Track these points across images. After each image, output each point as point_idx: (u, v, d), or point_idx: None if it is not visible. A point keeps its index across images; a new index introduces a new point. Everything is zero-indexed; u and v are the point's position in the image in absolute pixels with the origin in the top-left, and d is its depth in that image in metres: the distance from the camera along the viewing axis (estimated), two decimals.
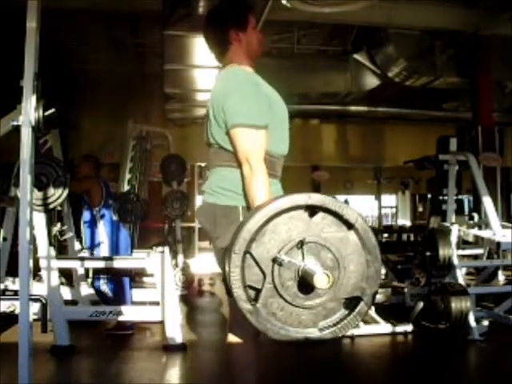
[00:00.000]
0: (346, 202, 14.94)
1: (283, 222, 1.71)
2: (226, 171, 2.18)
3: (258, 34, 2.41)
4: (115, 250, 5.10)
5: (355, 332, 4.78)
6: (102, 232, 5.08)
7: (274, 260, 1.69)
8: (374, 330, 4.90)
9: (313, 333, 1.73)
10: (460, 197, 6.55)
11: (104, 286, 5.04)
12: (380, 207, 16.49)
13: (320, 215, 1.72)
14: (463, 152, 5.61)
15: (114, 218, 5.21)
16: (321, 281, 1.61)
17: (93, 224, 5.12)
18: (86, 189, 5.06)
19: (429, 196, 13.68)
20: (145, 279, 6.62)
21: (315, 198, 1.71)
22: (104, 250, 5.04)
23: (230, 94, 2.13)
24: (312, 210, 1.72)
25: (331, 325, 1.74)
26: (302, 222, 1.72)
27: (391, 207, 18.55)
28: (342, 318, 1.74)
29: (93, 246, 5.12)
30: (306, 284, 1.67)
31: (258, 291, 1.71)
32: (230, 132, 2.10)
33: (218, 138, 2.18)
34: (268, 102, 2.23)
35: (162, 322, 4.48)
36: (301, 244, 1.69)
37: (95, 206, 5.07)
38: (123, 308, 4.49)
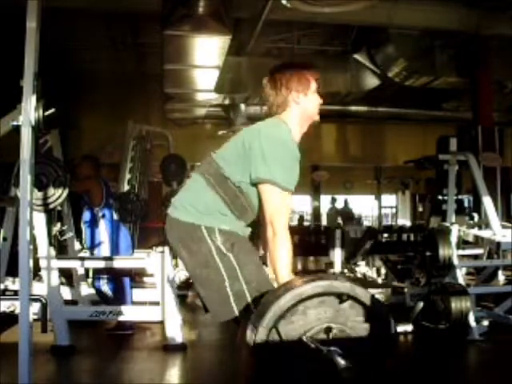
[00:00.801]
0: (346, 201, 14.94)
1: (313, 306, 1.76)
2: (209, 196, 2.23)
3: (317, 98, 2.44)
4: (116, 249, 5.10)
5: None
6: (103, 232, 5.07)
7: (300, 341, 1.74)
8: None
9: None
10: (460, 197, 6.54)
11: (104, 286, 5.04)
12: (380, 207, 16.49)
13: (349, 302, 1.77)
14: (463, 152, 5.61)
15: (115, 217, 5.20)
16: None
17: (93, 224, 5.11)
18: (86, 189, 5.05)
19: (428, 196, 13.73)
20: (145, 279, 6.62)
21: (347, 287, 1.77)
22: (105, 249, 5.03)
23: (274, 148, 2.19)
24: (342, 297, 1.77)
25: None
26: (332, 307, 1.77)
27: (391, 207, 18.56)
28: None
29: (93, 245, 5.11)
30: (325, 370, 1.72)
31: None
32: (263, 185, 2.17)
33: (231, 167, 2.23)
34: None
35: (162, 322, 4.48)
36: (328, 330, 1.75)
37: (96, 205, 5.06)
38: (123, 308, 4.49)
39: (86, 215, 5.15)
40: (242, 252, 2.21)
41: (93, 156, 5.63)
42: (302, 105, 2.37)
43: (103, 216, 5.07)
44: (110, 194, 5.24)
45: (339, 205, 14.75)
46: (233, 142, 2.33)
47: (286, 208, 2.18)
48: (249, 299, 2.16)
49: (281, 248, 2.13)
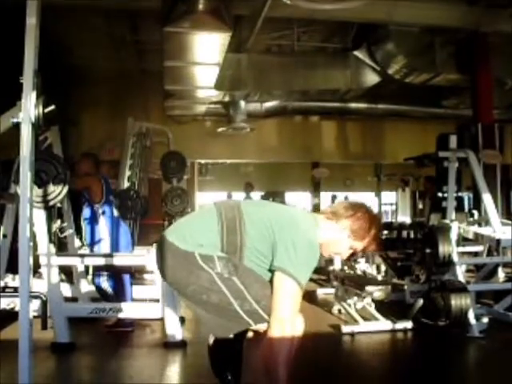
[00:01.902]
0: (346, 198, 14.94)
1: None
2: (213, 235, 2.32)
3: (349, 250, 2.53)
4: (116, 246, 5.10)
5: (355, 329, 4.79)
6: (103, 229, 5.07)
7: None
8: (373, 326, 4.90)
9: None
10: (460, 194, 6.53)
11: (104, 283, 5.04)
12: (380, 204, 16.48)
13: None
14: (463, 149, 5.61)
15: (115, 214, 5.20)
16: None
17: (93, 221, 5.11)
18: (86, 185, 5.05)
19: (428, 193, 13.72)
20: (146, 276, 6.62)
21: None
22: (105, 246, 5.04)
23: (302, 245, 2.27)
24: None
25: None
26: None
27: (391, 204, 18.54)
28: None
29: (93, 242, 5.12)
30: None
31: None
32: (281, 273, 2.23)
33: (253, 239, 2.30)
34: None
35: (162, 319, 4.48)
36: None
37: (96, 202, 5.06)
38: (123, 305, 4.50)
39: (86, 212, 5.15)
40: (245, 273, 2.28)
41: (92, 153, 5.63)
42: (340, 239, 2.46)
43: (103, 213, 5.08)
44: (110, 191, 5.24)
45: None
46: (260, 219, 2.36)
47: (297, 303, 2.25)
48: (262, 314, 2.25)
49: (285, 350, 2.20)
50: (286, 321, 2.20)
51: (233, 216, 2.32)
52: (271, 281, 2.32)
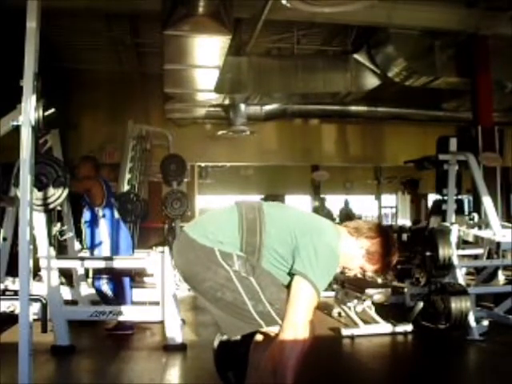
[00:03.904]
0: (346, 201, 14.94)
1: None
2: (233, 233, 2.30)
3: (358, 270, 2.54)
4: (116, 249, 5.09)
5: (355, 332, 4.78)
6: (103, 232, 5.07)
7: None
8: (373, 329, 4.90)
9: None
10: (460, 197, 6.53)
11: (104, 286, 5.04)
12: (380, 207, 16.50)
13: None
14: (463, 152, 5.61)
15: (116, 217, 5.19)
16: None
17: (94, 224, 5.11)
18: (86, 188, 5.05)
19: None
20: (146, 279, 6.62)
21: None
22: (105, 249, 5.03)
23: (324, 253, 2.27)
24: None
25: None
26: None
27: (391, 207, 18.56)
28: None
29: (94, 245, 5.11)
30: None
31: None
32: (300, 277, 2.23)
33: (273, 239, 2.29)
34: None
35: (162, 322, 4.48)
36: None
37: (96, 205, 5.05)
38: (123, 308, 4.49)
39: (87, 215, 5.15)
40: (262, 275, 2.28)
41: (92, 156, 5.63)
42: (354, 256, 2.46)
43: (104, 216, 5.07)
44: (111, 194, 5.23)
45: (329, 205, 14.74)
46: (282, 222, 2.37)
47: (312, 308, 2.26)
48: (275, 316, 2.25)
49: (296, 355, 2.19)
50: (300, 326, 2.20)
51: (254, 217, 2.32)
52: (289, 286, 2.32)
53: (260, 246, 2.28)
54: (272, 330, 2.30)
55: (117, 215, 5.21)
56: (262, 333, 2.39)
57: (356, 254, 2.44)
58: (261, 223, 2.30)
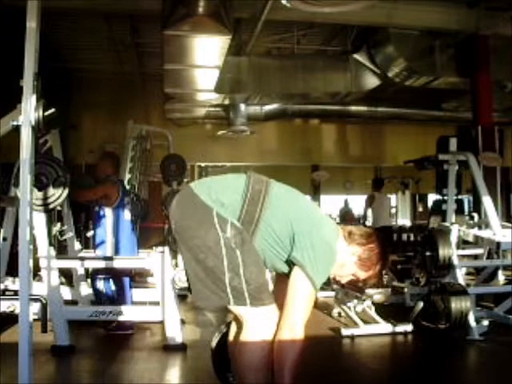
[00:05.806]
0: (346, 201, 14.93)
1: None
2: (236, 198, 2.28)
3: (350, 278, 2.53)
4: (122, 249, 5.07)
5: (355, 332, 4.78)
6: (109, 231, 5.04)
7: None
8: (373, 329, 4.90)
9: None
10: (460, 197, 6.53)
11: (101, 285, 5.03)
12: None
13: None
14: (463, 152, 5.60)
15: (126, 218, 5.16)
16: None
17: (101, 223, 5.09)
18: (105, 194, 5.01)
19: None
20: (146, 279, 6.62)
21: None
22: (112, 249, 5.02)
23: (323, 249, 2.27)
24: None
25: None
26: None
27: (391, 207, 18.54)
28: None
29: (100, 244, 5.09)
30: None
31: None
32: (300, 270, 2.22)
33: (271, 215, 2.28)
34: None
35: (162, 322, 4.48)
36: None
37: (108, 205, 5.02)
38: (123, 308, 4.49)
39: (96, 214, 5.13)
40: (249, 252, 2.25)
41: (112, 152, 5.55)
42: (346, 262, 2.44)
43: (114, 215, 5.04)
44: (124, 194, 5.20)
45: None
46: (285, 204, 2.37)
47: (310, 304, 2.26)
48: (246, 297, 2.21)
49: (297, 353, 2.19)
50: (298, 325, 2.19)
51: (259, 189, 2.30)
52: (276, 267, 2.34)
53: (259, 218, 2.25)
54: (236, 310, 2.28)
55: (128, 216, 5.17)
56: (233, 335, 2.42)
57: (348, 260, 2.42)
58: (265, 196, 2.28)
